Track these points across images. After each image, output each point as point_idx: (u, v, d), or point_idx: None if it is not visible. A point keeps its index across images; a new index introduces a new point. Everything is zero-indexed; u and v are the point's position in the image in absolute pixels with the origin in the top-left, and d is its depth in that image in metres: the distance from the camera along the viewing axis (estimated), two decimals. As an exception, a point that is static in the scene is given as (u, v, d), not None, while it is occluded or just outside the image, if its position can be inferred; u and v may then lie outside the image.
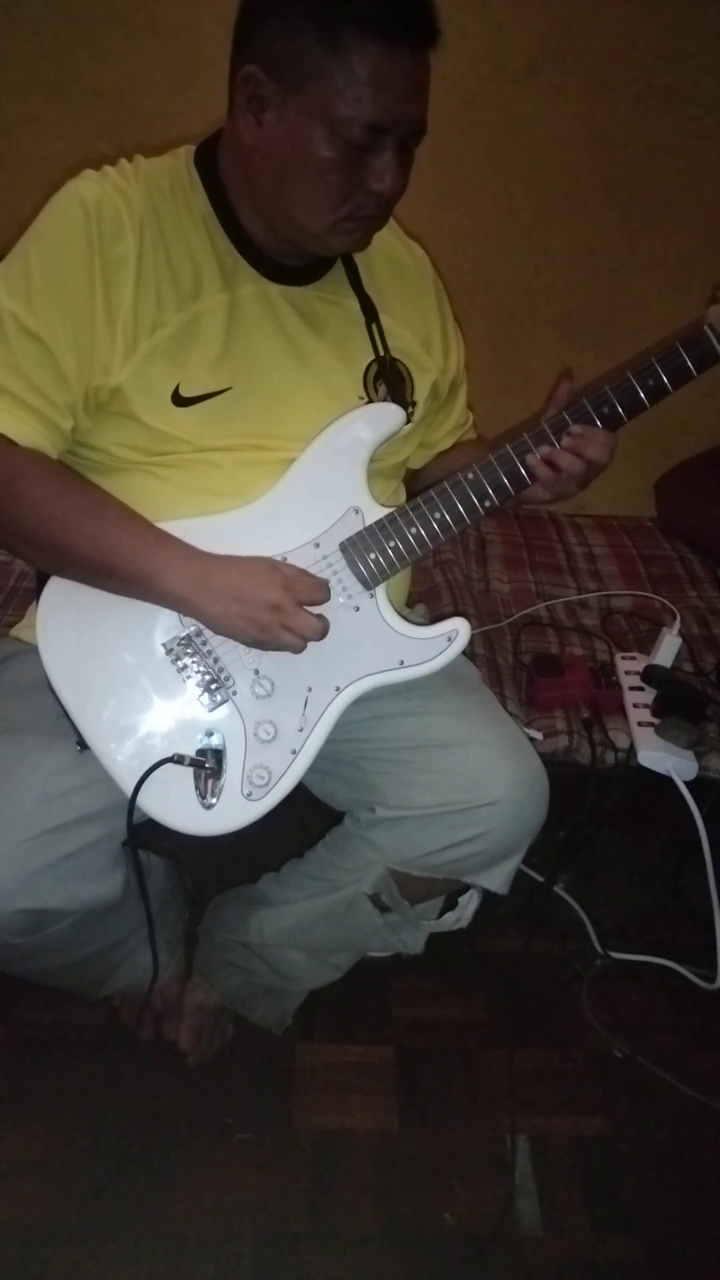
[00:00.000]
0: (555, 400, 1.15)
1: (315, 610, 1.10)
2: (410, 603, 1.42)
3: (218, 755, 1.13)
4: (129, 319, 1.06)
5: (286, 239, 1.11)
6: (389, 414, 1.17)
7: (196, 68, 1.87)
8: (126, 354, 1.07)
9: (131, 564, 1.07)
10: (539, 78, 1.94)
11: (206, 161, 1.12)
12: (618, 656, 1.71)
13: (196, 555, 1.09)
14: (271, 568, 1.09)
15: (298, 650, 1.10)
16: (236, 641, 1.12)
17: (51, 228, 1.05)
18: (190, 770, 1.13)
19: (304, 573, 1.11)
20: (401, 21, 0.96)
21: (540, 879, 1.69)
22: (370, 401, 1.20)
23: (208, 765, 1.13)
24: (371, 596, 1.16)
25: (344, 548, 1.15)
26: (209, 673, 1.14)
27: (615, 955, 1.69)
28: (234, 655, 1.14)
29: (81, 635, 1.15)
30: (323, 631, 1.09)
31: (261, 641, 1.10)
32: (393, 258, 1.26)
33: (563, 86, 1.95)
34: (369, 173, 1.03)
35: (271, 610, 1.07)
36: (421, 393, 1.27)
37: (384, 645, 1.17)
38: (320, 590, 1.11)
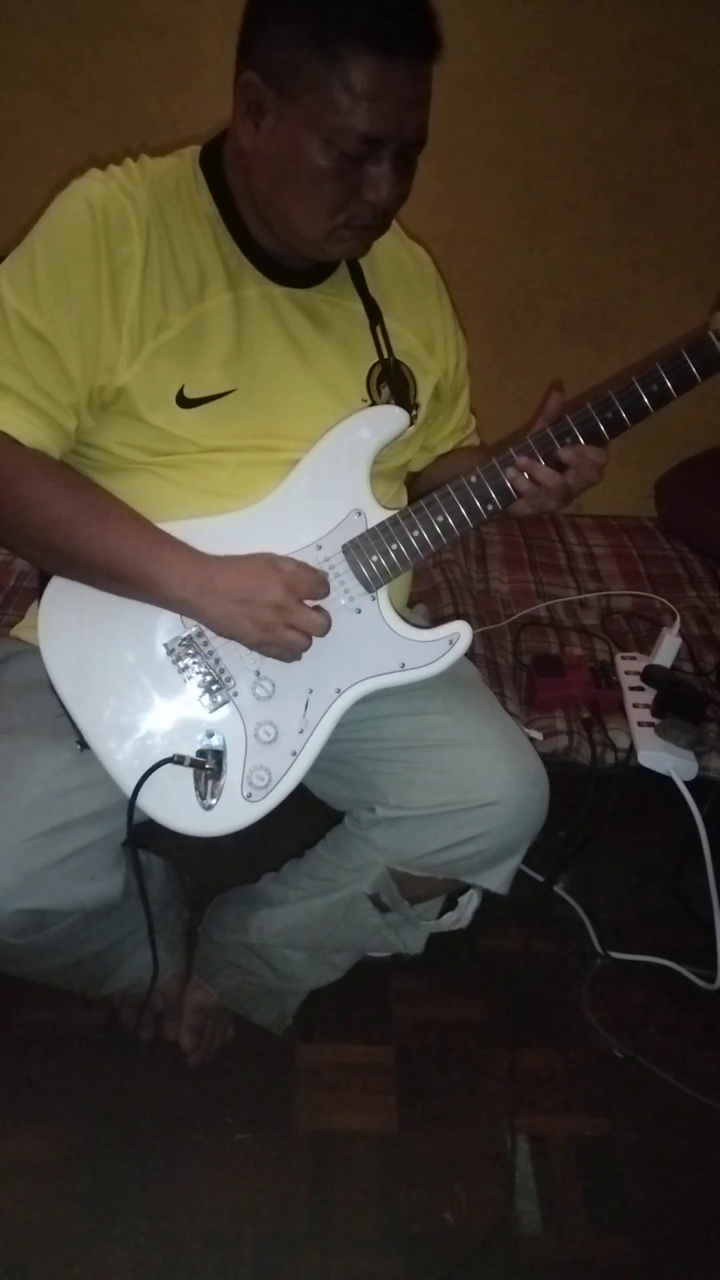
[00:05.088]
0: (545, 413, 1.14)
1: (316, 605, 1.10)
2: (411, 603, 1.43)
3: (218, 756, 1.13)
4: (135, 319, 1.06)
5: (286, 242, 1.10)
6: (393, 417, 1.17)
7: (196, 68, 1.87)
8: (132, 354, 1.07)
9: (134, 567, 1.07)
10: (539, 78, 1.94)
11: (212, 162, 1.12)
12: (618, 656, 1.71)
13: (199, 558, 1.09)
14: (272, 567, 1.09)
15: (302, 648, 1.10)
16: (240, 644, 1.11)
17: (58, 227, 1.05)
18: (190, 771, 1.13)
19: (303, 566, 1.11)
20: (398, 33, 0.95)
21: (540, 879, 1.69)
22: (373, 404, 1.20)
23: (208, 766, 1.13)
24: (373, 599, 1.16)
25: (346, 550, 1.15)
26: (210, 673, 1.14)
27: (615, 955, 1.69)
28: (235, 656, 1.14)
29: (83, 635, 1.15)
30: (325, 628, 1.10)
31: (265, 643, 1.09)
32: (396, 260, 1.25)
33: (563, 86, 1.95)
34: (365, 182, 1.02)
35: (275, 610, 1.07)
36: (424, 395, 1.27)
37: (385, 647, 1.16)
38: (321, 584, 1.11)
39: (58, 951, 1.23)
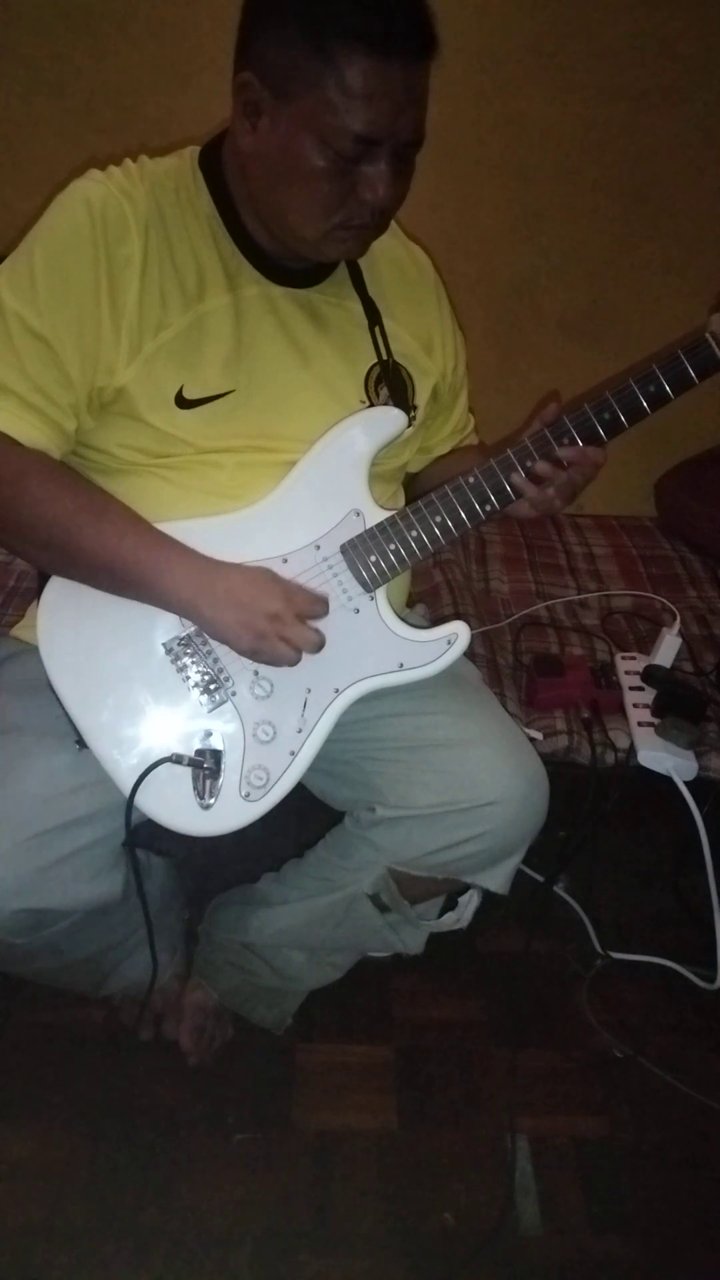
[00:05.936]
0: (542, 417, 1.14)
1: (313, 624, 1.10)
2: (410, 603, 1.43)
3: (216, 756, 1.13)
4: (134, 320, 1.06)
5: (284, 243, 1.10)
6: (391, 418, 1.17)
7: (196, 68, 1.87)
8: (131, 355, 1.07)
9: (133, 567, 1.07)
10: (539, 78, 1.94)
11: (211, 163, 1.12)
12: (618, 656, 1.71)
13: (198, 560, 1.09)
14: (273, 578, 1.09)
15: (291, 663, 1.10)
16: (232, 649, 1.12)
17: (56, 228, 1.05)
18: (189, 770, 1.13)
19: (304, 587, 1.12)
20: (394, 34, 0.95)
21: (540, 879, 1.69)
22: (371, 405, 1.20)
23: (206, 766, 1.13)
24: (372, 599, 1.16)
25: (345, 550, 1.15)
26: (209, 673, 1.14)
27: (615, 955, 1.69)
28: (234, 655, 1.13)
29: (82, 635, 1.15)
30: (318, 645, 1.10)
31: (256, 651, 1.09)
32: (395, 261, 1.26)
33: (563, 86, 1.95)
34: (361, 183, 1.02)
35: (269, 620, 1.07)
36: (422, 397, 1.27)
37: (384, 648, 1.17)
38: (320, 604, 1.11)
39: (58, 951, 1.24)
